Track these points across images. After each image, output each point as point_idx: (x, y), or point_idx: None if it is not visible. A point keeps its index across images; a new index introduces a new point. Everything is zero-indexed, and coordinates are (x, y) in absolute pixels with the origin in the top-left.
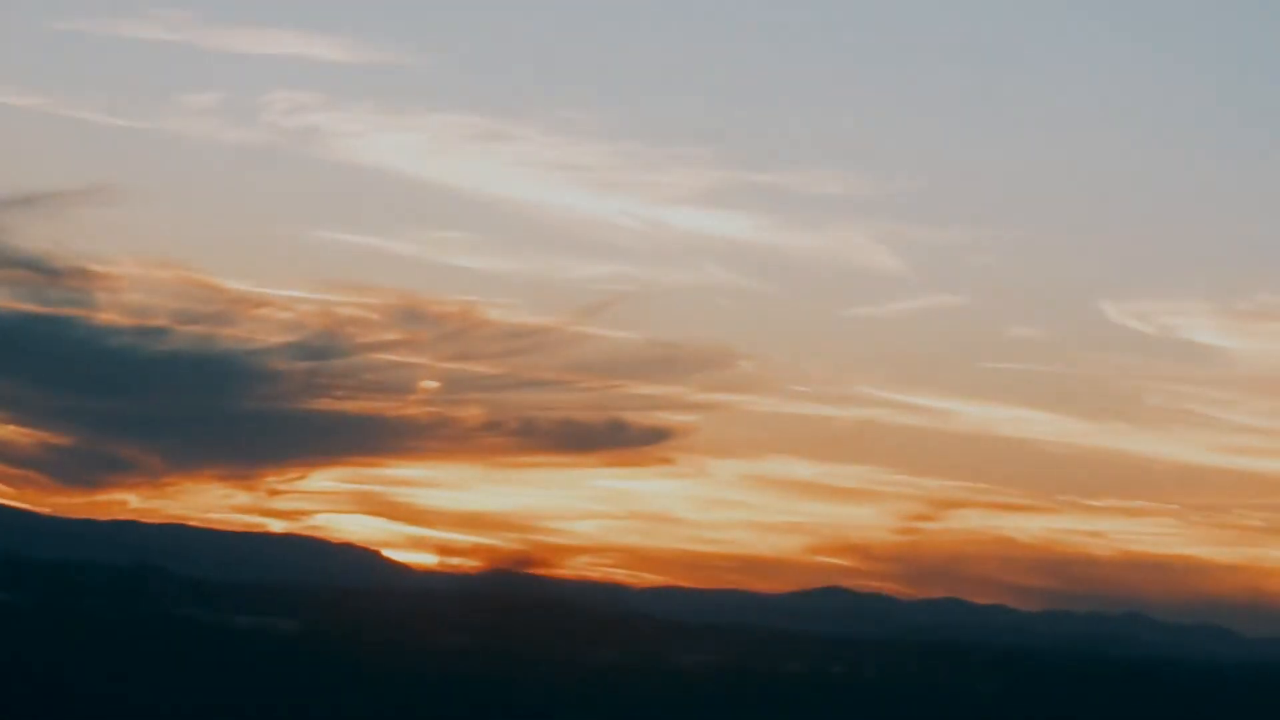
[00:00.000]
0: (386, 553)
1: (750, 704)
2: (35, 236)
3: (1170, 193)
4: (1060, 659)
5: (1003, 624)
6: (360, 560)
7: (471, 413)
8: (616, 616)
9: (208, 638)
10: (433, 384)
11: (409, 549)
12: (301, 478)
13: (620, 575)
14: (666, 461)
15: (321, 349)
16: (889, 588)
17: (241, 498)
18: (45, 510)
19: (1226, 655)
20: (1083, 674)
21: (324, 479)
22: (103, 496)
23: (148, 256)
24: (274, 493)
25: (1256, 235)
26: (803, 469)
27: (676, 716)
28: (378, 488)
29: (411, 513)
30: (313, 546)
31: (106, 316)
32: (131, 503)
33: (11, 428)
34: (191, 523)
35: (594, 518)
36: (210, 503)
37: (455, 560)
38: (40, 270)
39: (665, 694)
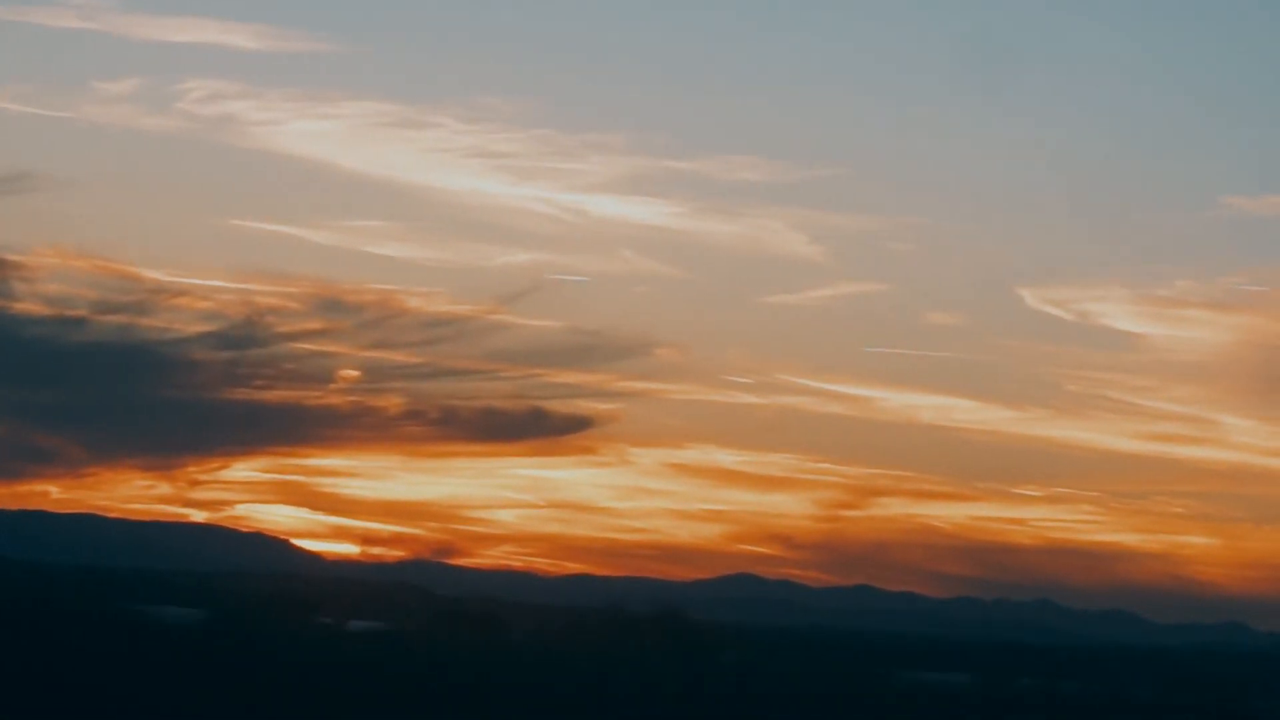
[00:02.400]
0: (300, 542)
1: (623, 692)
2: None
3: (1087, 180)
4: (963, 645)
5: (910, 611)
6: (269, 549)
7: (392, 402)
8: (511, 604)
9: (93, 627)
10: (353, 373)
11: (331, 539)
12: (223, 468)
13: (541, 564)
14: (587, 450)
15: (241, 338)
16: (806, 575)
17: (163, 488)
18: None
19: (1133, 641)
20: (983, 659)
21: (245, 469)
22: (23, 487)
23: (65, 246)
24: (195, 483)
25: (1174, 222)
26: (724, 457)
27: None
28: (299, 477)
29: (333, 502)
30: (220, 536)
31: (24, 306)
32: (53, 493)
33: None
34: (106, 513)
35: (515, 506)
36: (132, 493)
37: (377, 550)
38: None
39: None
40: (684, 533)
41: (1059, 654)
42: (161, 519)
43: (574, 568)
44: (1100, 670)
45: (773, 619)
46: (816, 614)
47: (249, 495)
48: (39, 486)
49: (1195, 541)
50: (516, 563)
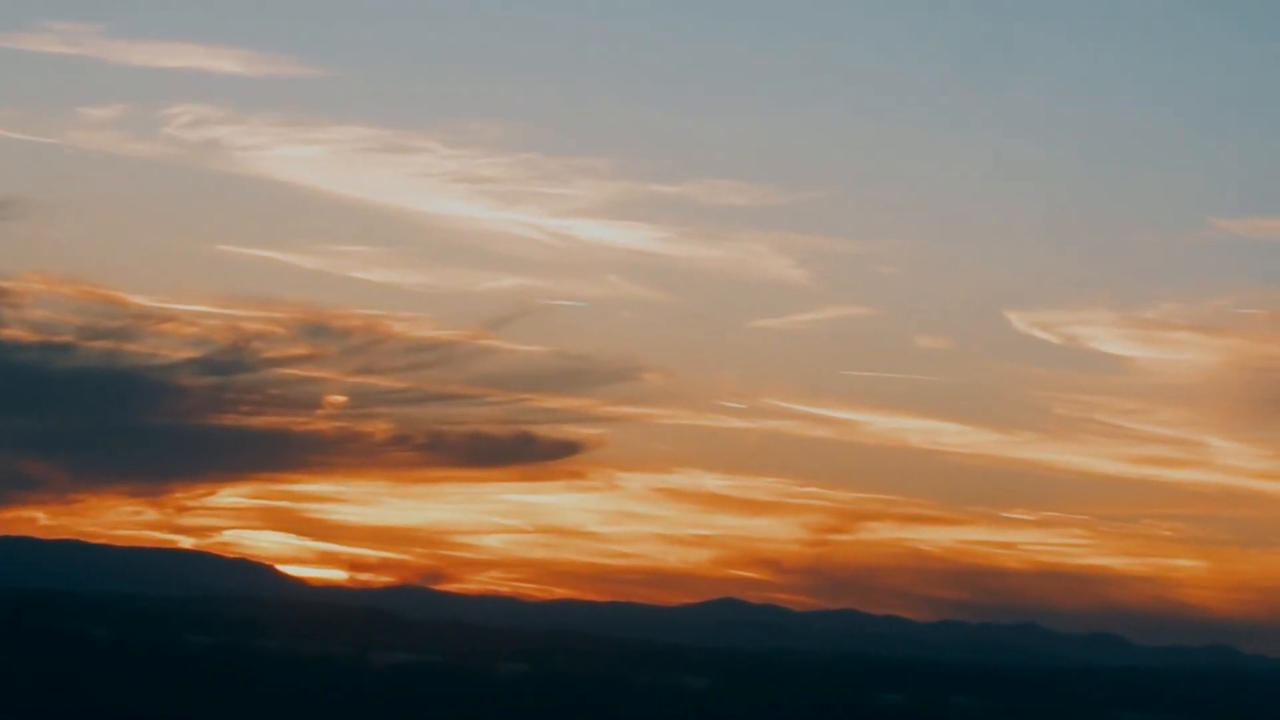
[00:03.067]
0: (285, 568)
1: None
2: None
3: (1073, 202)
4: (946, 668)
5: (895, 635)
6: (252, 575)
7: (379, 427)
8: (496, 630)
9: (70, 650)
10: (339, 398)
11: (318, 564)
12: (210, 494)
13: (529, 589)
14: (575, 475)
15: (227, 364)
16: (792, 599)
17: (150, 514)
18: None
19: (1117, 663)
20: (966, 682)
21: (232, 495)
22: (9, 514)
23: (52, 272)
24: (182, 509)
25: (1160, 245)
26: (712, 481)
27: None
28: (286, 503)
29: (320, 528)
30: (203, 561)
31: (10, 332)
32: (40, 520)
33: None
34: (94, 539)
35: (502, 532)
36: (119, 519)
37: (365, 575)
38: None
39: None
40: (672, 557)
41: (1038, 675)
42: (147, 544)
43: (561, 593)
44: (1080, 691)
45: (755, 643)
46: (800, 638)
47: (236, 521)
48: (26, 513)
49: (1184, 564)
50: (504, 588)
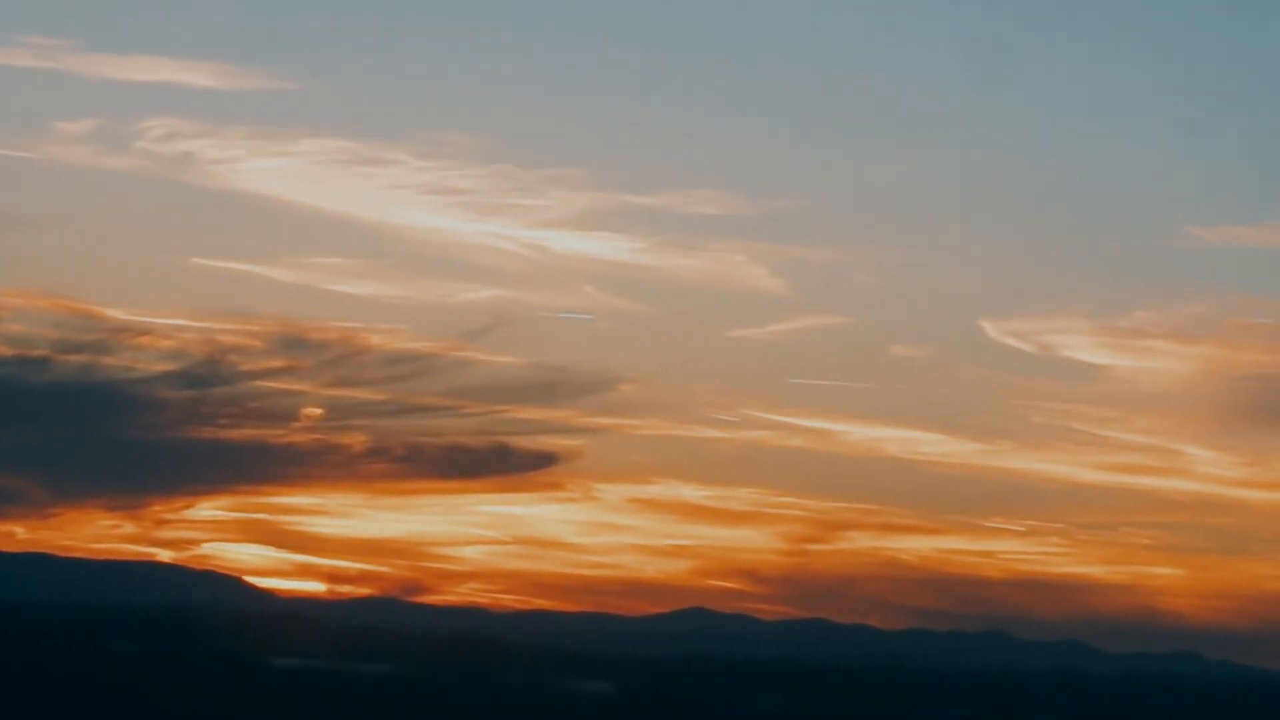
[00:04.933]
0: (254, 579)
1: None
2: None
3: (1047, 211)
4: (908, 675)
5: (862, 643)
6: (221, 586)
7: (356, 439)
8: (474, 640)
9: (29, 661)
10: (316, 411)
11: (296, 576)
12: (188, 506)
13: (507, 600)
14: (553, 486)
15: (204, 377)
16: (764, 609)
17: (128, 527)
18: None
19: (1079, 669)
20: (928, 688)
21: (210, 507)
22: None
23: (27, 285)
24: (161, 522)
25: (1134, 253)
26: (689, 492)
27: None
28: (264, 515)
29: (299, 540)
30: (169, 573)
31: None
32: (18, 534)
33: None
34: (71, 553)
35: (481, 543)
36: (98, 533)
37: (344, 587)
38: None
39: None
40: (649, 568)
41: (1001, 682)
42: (123, 557)
43: (539, 603)
44: (1040, 697)
45: (720, 652)
46: (765, 646)
47: (214, 534)
48: (3, 528)
49: (1161, 572)
50: (482, 599)
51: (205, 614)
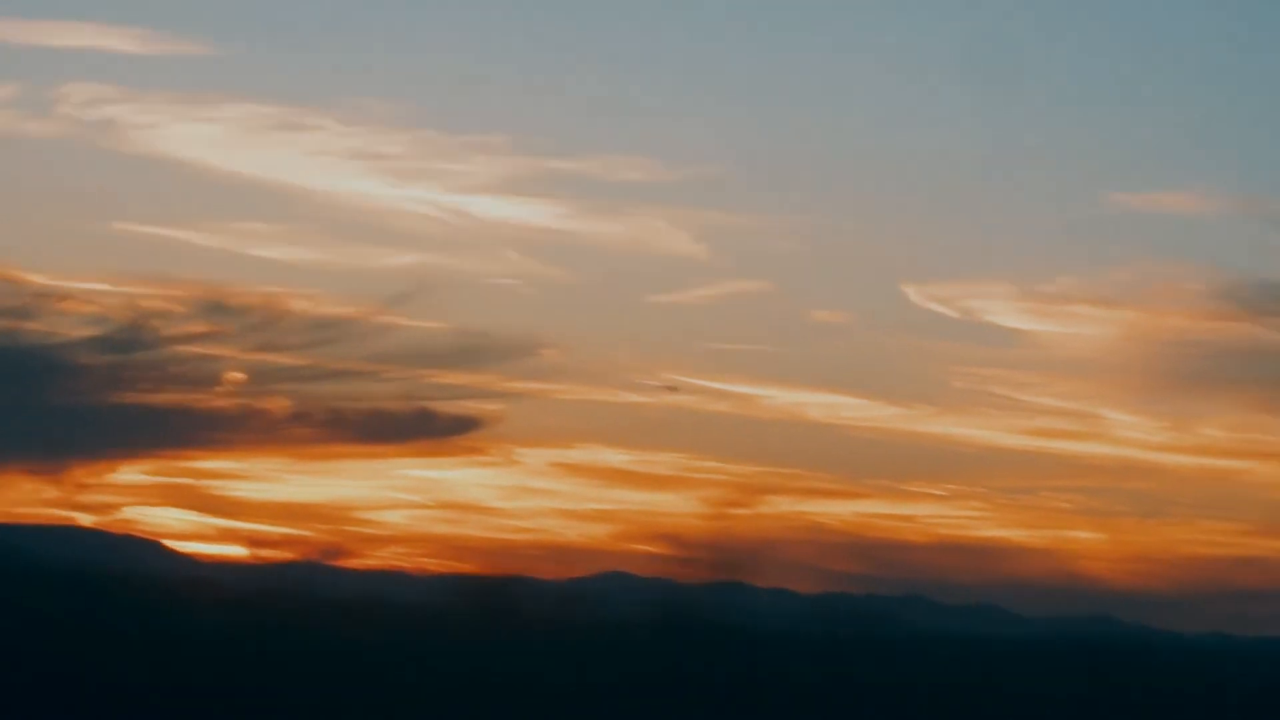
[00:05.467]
0: (184, 545)
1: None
2: None
3: (970, 176)
4: (824, 638)
5: (779, 607)
6: (142, 550)
7: (278, 404)
8: (389, 603)
9: None
10: (238, 376)
11: (219, 541)
12: (110, 471)
13: (429, 564)
14: (474, 450)
15: (126, 342)
16: (683, 572)
17: (49, 492)
18: None
19: (995, 632)
20: (846, 653)
21: (131, 472)
22: None
23: None
24: (82, 486)
25: (1058, 218)
26: (611, 456)
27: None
28: (187, 480)
29: (221, 504)
30: (92, 538)
31: None
32: None
33: None
34: None
35: (403, 508)
36: (18, 497)
37: (266, 551)
38: None
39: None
40: (571, 532)
41: (915, 645)
42: (42, 521)
43: (461, 567)
44: (955, 659)
45: (639, 616)
46: (683, 610)
47: (135, 498)
48: None
49: (1081, 536)
50: (404, 563)
51: (125, 577)
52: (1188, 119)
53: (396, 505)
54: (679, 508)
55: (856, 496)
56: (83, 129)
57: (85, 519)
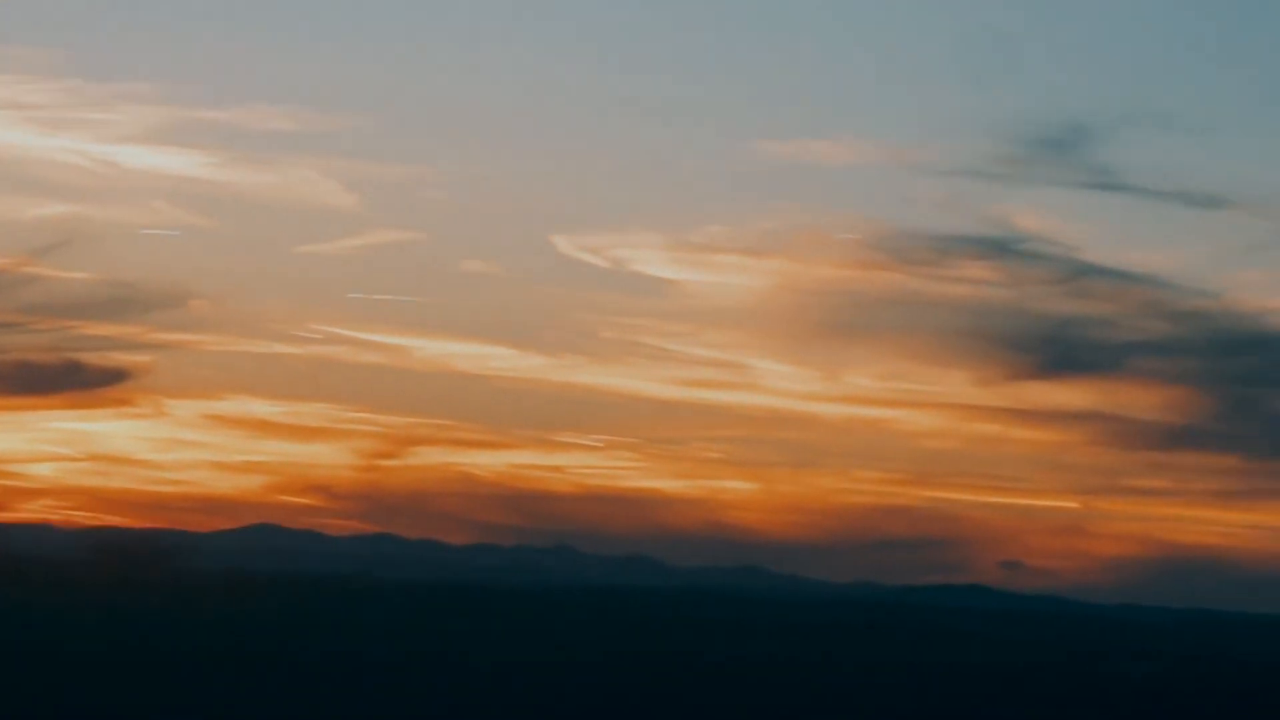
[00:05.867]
0: None
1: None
2: None
3: (620, 125)
4: (471, 589)
5: (429, 558)
6: None
7: None
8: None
9: None
10: None
11: None
12: None
13: (79, 517)
14: (124, 402)
15: None
16: (335, 524)
17: None
18: None
19: (645, 583)
20: (493, 604)
21: None
22: None
23: None
24: None
25: (705, 167)
26: (262, 408)
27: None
28: None
29: None
30: None
31: None
32: None
33: None
34: None
35: (52, 460)
36: None
37: None
38: None
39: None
40: (222, 484)
41: (563, 596)
42: None
43: (111, 520)
44: (604, 611)
45: (289, 567)
46: (332, 562)
47: None
48: None
49: (732, 486)
50: (54, 516)
51: None
52: (833, 68)
53: (45, 458)
54: (329, 459)
55: (506, 447)
56: None
57: None
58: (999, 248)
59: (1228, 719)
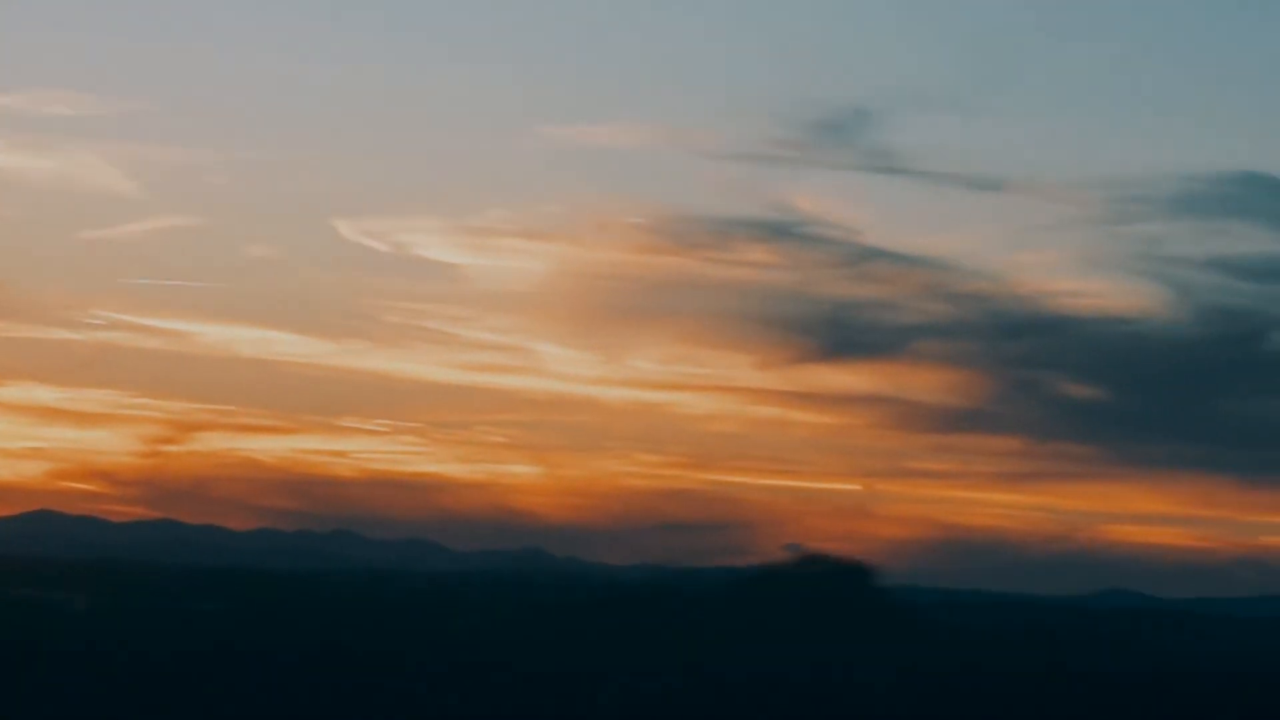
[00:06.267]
0: None
1: None
2: None
3: (401, 110)
4: (251, 574)
5: (211, 544)
6: None
7: None
8: None
9: None
10: None
11: None
12: None
13: None
14: None
15: None
16: (115, 510)
17: None
18: None
19: (426, 568)
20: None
21: None
22: None
23: None
24: None
25: (487, 152)
26: (44, 394)
27: None
28: None
29: None
30: None
31: None
32: None
33: None
34: None
35: None
36: None
37: None
38: None
39: None
40: (3, 470)
41: (344, 580)
42: None
43: None
44: (385, 595)
45: (68, 554)
46: (111, 548)
47: None
48: None
49: (516, 470)
50: None
51: None
52: (614, 52)
53: None
54: (111, 445)
55: (290, 432)
56: None
57: None
58: (780, 231)
59: (1007, 698)
